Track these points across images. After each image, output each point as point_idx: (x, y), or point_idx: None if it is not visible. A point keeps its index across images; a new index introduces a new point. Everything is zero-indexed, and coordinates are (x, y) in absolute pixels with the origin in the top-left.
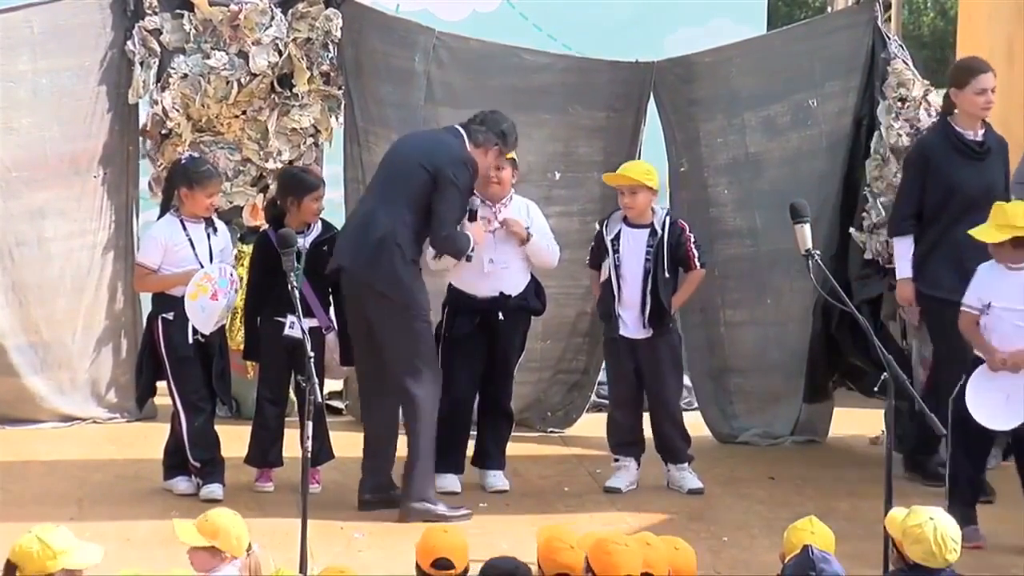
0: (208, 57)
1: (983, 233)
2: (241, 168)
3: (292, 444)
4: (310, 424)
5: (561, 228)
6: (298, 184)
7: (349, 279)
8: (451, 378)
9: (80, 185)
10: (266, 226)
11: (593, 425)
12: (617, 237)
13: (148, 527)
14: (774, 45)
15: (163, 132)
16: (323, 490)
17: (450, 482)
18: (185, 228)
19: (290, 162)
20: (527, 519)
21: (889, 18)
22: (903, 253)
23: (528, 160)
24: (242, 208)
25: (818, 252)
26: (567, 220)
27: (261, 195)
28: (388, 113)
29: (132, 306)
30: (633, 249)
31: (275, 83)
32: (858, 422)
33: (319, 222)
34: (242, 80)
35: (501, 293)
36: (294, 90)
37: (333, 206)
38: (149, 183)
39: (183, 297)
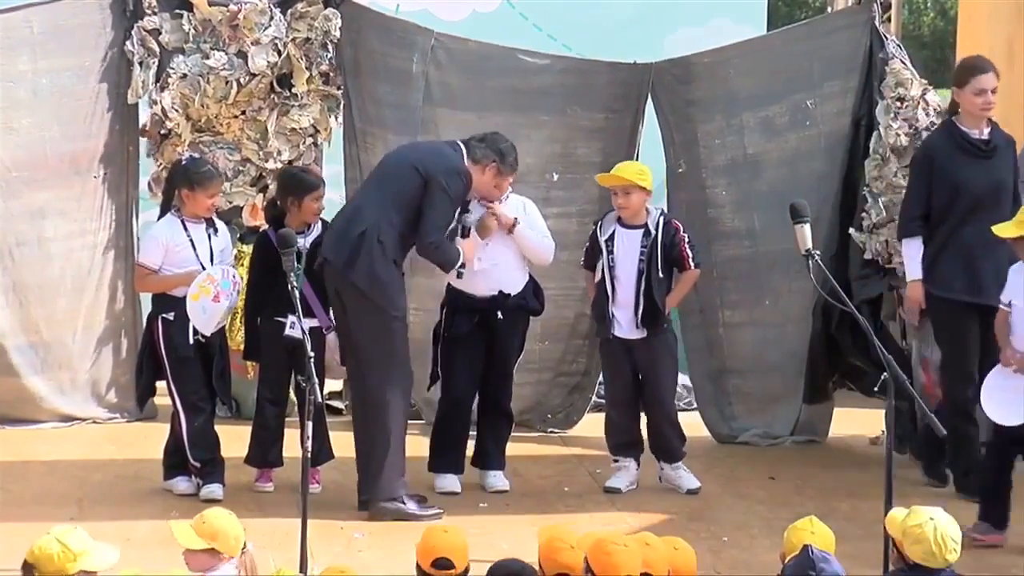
0: (207, 57)
1: (1003, 229)
2: (241, 168)
3: (292, 444)
4: (310, 424)
5: (559, 229)
6: (298, 184)
7: (330, 273)
8: (450, 378)
9: (80, 185)
10: (266, 226)
11: (593, 425)
12: (611, 238)
13: (148, 527)
14: (773, 46)
15: (162, 132)
16: (323, 490)
17: (450, 482)
18: (186, 229)
19: (290, 162)
20: (527, 519)
21: (889, 18)
22: (912, 255)
23: (527, 161)
24: (242, 208)
25: (818, 252)
26: (565, 221)
27: (261, 195)
28: (386, 114)
29: (132, 306)
30: (627, 250)
31: (274, 83)
32: (858, 422)
33: (319, 222)
34: (241, 80)
35: (500, 292)
36: (293, 90)
37: (333, 206)
38: (149, 183)
39: (184, 297)
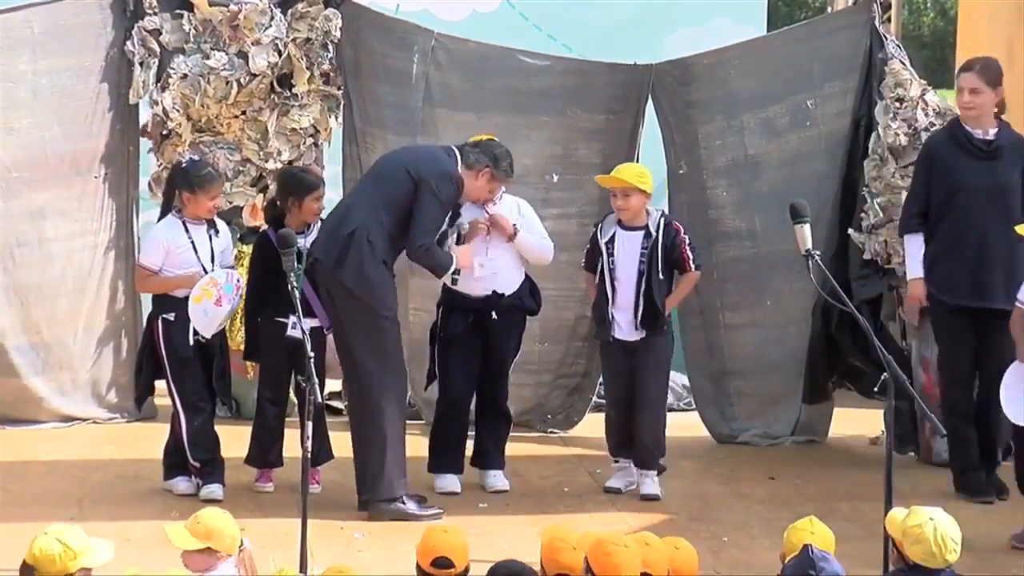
0: (208, 57)
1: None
2: (241, 168)
3: (292, 444)
4: (310, 424)
5: (559, 230)
6: (298, 184)
7: (321, 272)
8: (447, 378)
9: (81, 185)
10: (266, 226)
11: (593, 425)
12: (612, 239)
13: (148, 527)
14: (773, 46)
15: (163, 132)
16: (323, 490)
17: (450, 482)
18: (187, 230)
19: (290, 162)
20: (527, 519)
21: (889, 18)
22: (912, 252)
23: (526, 163)
24: (242, 208)
25: (818, 252)
26: (565, 222)
27: (261, 195)
28: (386, 114)
29: (132, 306)
30: (627, 251)
31: (275, 83)
32: (858, 422)
33: (319, 222)
34: (242, 80)
35: (494, 292)
36: (294, 90)
37: (333, 206)
38: (149, 183)
39: (185, 298)
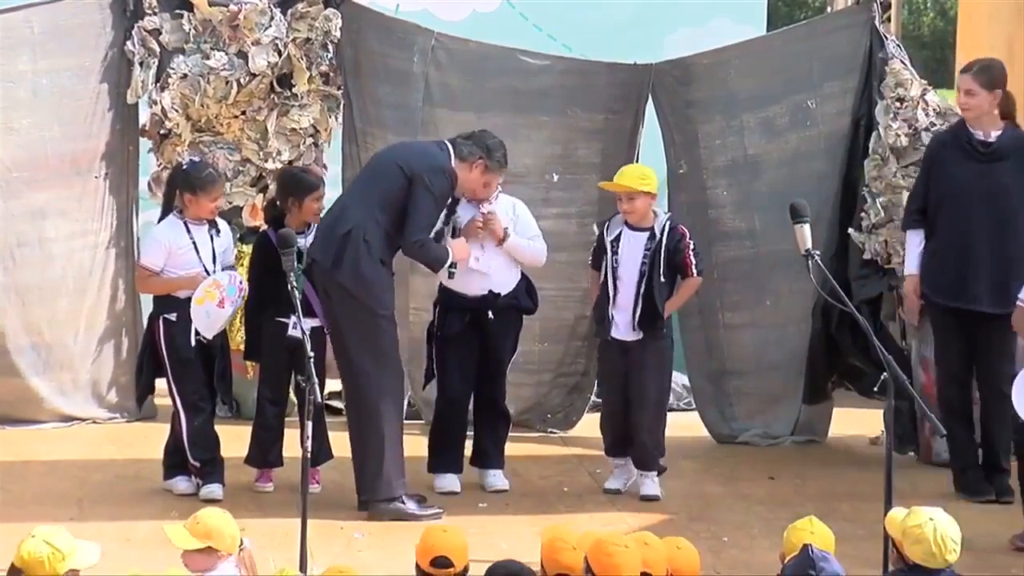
0: (207, 57)
1: None
2: (241, 168)
3: (292, 444)
4: (310, 424)
5: (559, 230)
6: (298, 184)
7: (318, 273)
8: (444, 377)
9: (81, 185)
10: (266, 226)
11: (593, 425)
12: (617, 239)
13: (148, 527)
14: (773, 46)
15: (163, 132)
16: (323, 490)
17: (449, 482)
18: (189, 231)
19: (290, 162)
20: (527, 519)
21: (889, 18)
22: (911, 248)
23: (526, 162)
24: (242, 208)
25: (818, 252)
26: (565, 222)
27: (261, 195)
28: (386, 114)
29: (133, 306)
30: (631, 252)
31: (274, 83)
32: (858, 422)
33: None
34: (241, 80)
35: (490, 292)
36: (293, 90)
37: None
38: (149, 183)
39: (187, 299)
